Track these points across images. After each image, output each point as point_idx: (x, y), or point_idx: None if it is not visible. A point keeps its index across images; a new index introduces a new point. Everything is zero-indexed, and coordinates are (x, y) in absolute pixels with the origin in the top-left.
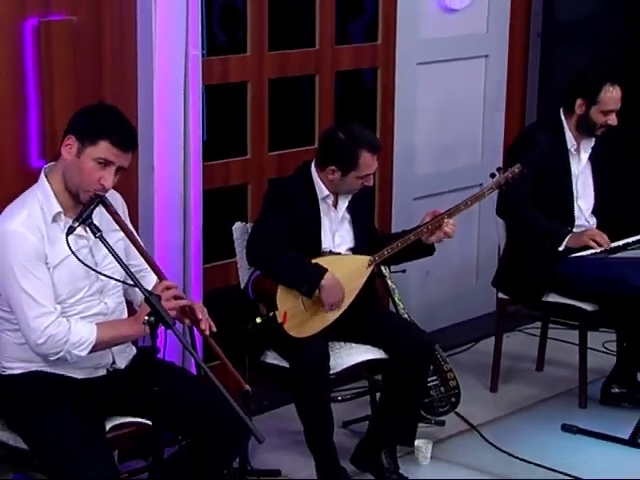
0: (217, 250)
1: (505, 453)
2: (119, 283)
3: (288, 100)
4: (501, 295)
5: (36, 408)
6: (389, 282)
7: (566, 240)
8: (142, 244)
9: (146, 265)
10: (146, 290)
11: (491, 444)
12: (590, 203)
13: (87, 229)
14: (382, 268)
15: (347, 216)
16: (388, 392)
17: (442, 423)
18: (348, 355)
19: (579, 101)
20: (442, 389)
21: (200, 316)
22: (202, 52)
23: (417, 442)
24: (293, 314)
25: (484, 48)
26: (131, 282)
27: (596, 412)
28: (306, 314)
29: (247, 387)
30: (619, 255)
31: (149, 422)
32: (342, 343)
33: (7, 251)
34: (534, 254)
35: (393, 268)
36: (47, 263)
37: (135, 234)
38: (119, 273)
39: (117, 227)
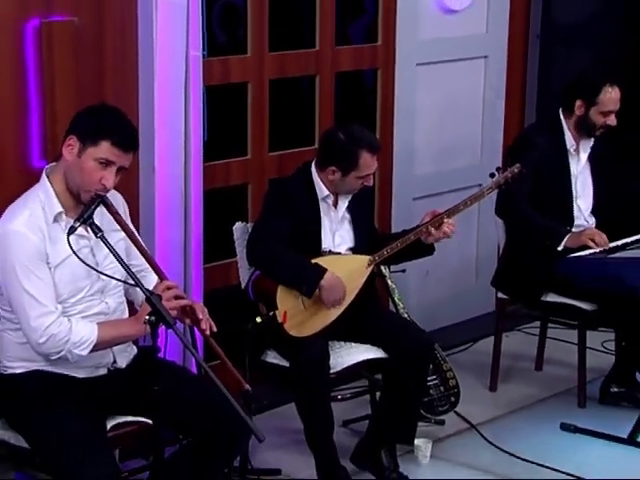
0: (218, 250)
1: (504, 452)
2: (120, 283)
3: (288, 101)
4: (500, 295)
5: (37, 407)
6: (389, 282)
7: (565, 240)
8: (143, 244)
9: (147, 265)
10: (147, 290)
11: (490, 443)
12: (589, 203)
13: (88, 229)
14: (382, 268)
15: (347, 216)
16: (388, 391)
17: (442, 422)
18: (348, 354)
19: (579, 102)
20: (442, 388)
21: (201, 316)
22: (203, 53)
23: (417, 441)
24: (293, 314)
25: (483, 49)
26: (132, 282)
27: (595, 411)
28: (306, 314)
29: (247, 386)
30: (618, 255)
31: (150, 421)
32: (342, 342)
33: (9, 251)
34: (533, 254)
35: (393, 268)
36: (48, 263)
37: (136, 234)
38: (120, 273)
39: (118, 227)
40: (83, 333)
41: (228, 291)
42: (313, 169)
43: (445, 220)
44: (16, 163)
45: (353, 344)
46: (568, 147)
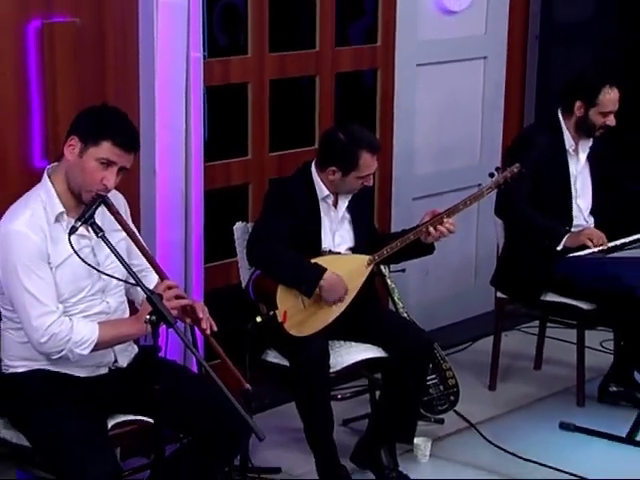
0: (218, 250)
1: (504, 451)
2: (121, 282)
3: (289, 101)
4: (499, 294)
5: (39, 406)
6: (389, 281)
7: (564, 239)
8: (144, 244)
9: (148, 265)
10: (148, 289)
11: (490, 442)
12: (589, 203)
13: (89, 229)
14: (382, 267)
15: (347, 216)
16: (388, 390)
17: (441, 421)
18: (348, 354)
19: (578, 103)
20: (441, 387)
21: (201, 315)
22: (203, 54)
23: (416, 440)
24: (293, 313)
25: (483, 50)
26: (133, 281)
27: (594, 410)
28: (306, 313)
29: (247, 385)
30: (616, 255)
31: (151, 420)
32: (342, 342)
33: (10, 251)
34: (532, 254)
35: (393, 267)
36: (50, 263)
37: (137, 234)
38: (121, 273)
39: (119, 227)
40: (84, 332)
41: (228, 291)
42: (313, 169)
43: (445, 220)
44: (18, 163)
45: (353, 343)
46: (567, 147)
